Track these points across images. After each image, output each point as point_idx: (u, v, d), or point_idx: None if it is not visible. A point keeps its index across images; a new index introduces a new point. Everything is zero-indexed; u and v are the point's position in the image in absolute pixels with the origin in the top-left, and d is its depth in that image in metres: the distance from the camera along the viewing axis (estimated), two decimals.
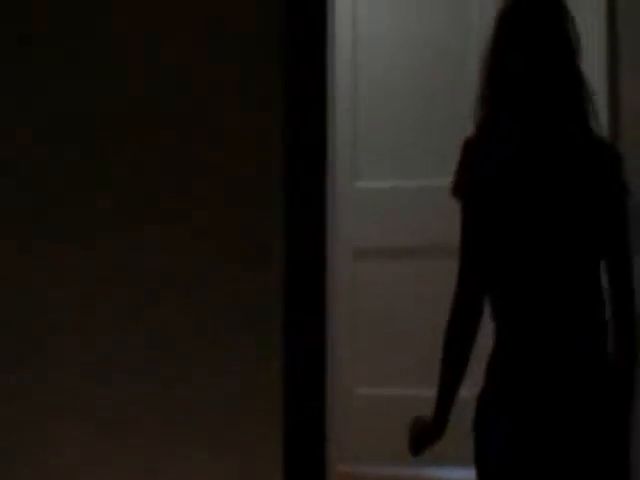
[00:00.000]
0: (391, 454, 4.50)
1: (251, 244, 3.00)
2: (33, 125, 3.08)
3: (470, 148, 2.33)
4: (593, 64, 3.71)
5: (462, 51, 5.04)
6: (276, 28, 2.99)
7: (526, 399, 2.21)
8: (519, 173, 2.21)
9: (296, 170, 3.11)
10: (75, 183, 3.07)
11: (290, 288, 3.02)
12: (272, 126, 2.99)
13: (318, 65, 3.05)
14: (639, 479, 2.82)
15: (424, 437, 2.36)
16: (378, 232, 5.28)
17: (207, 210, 3.04)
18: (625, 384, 2.19)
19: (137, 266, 3.05)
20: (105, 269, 3.07)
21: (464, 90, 4.12)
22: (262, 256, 2.98)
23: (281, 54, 2.99)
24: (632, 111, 3.16)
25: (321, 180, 3.58)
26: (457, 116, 4.78)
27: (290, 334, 3.04)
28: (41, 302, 3.11)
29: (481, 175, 2.26)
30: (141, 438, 3.06)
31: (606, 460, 2.17)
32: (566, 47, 2.28)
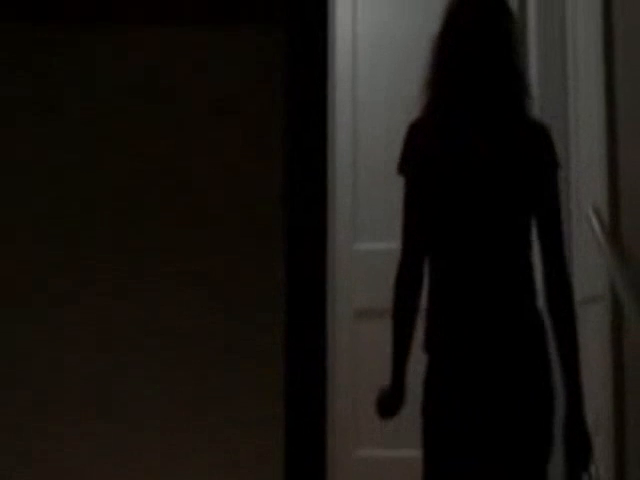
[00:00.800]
0: None
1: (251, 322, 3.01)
2: (33, 127, 3.10)
3: (415, 129, 2.56)
4: (592, 131, 3.76)
5: None
6: (278, 32, 3.04)
7: (463, 359, 2.36)
8: (458, 151, 2.47)
9: (296, 243, 3.15)
10: (74, 188, 3.08)
11: (292, 348, 3.07)
12: (273, 130, 3.02)
13: (318, 71, 3.08)
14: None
15: (387, 401, 2.47)
16: (378, 293, 5.25)
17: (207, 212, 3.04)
18: (566, 340, 2.35)
19: (137, 272, 3.05)
20: (105, 278, 3.06)
21: None
22: (265, 319, 3.05)
23: (283, 58, 3.03)
24: (630, 174, 3.20)
25: (321, 243, 3.60)
26: None
27: (292, 396, 3.06)
28: (41, 309, 3.09)
29: (423, 153, 2.47)
30: (141, 448, 3.03)
31: (540, 411, 2.32)
32: (505, 40, 2.54)
